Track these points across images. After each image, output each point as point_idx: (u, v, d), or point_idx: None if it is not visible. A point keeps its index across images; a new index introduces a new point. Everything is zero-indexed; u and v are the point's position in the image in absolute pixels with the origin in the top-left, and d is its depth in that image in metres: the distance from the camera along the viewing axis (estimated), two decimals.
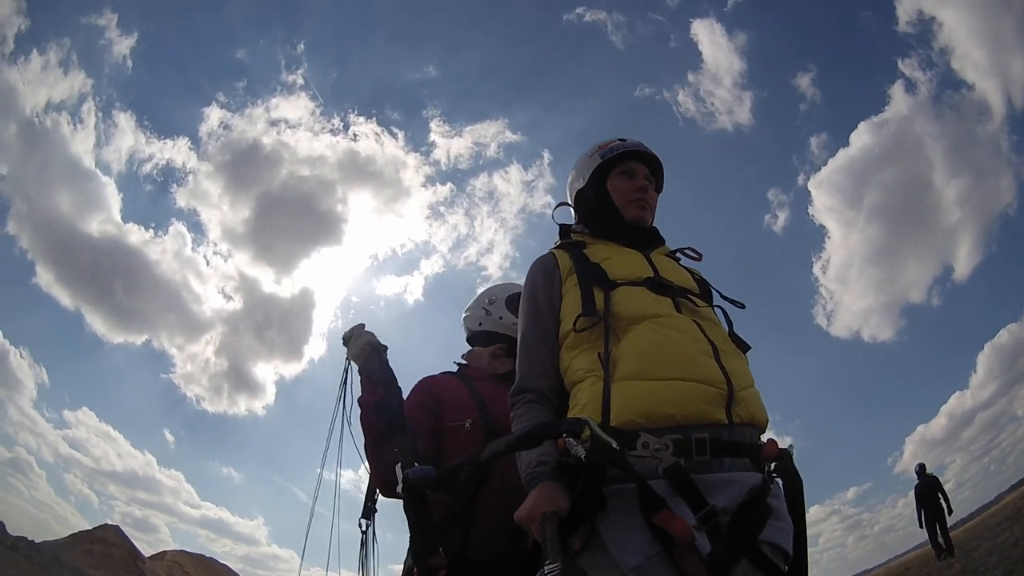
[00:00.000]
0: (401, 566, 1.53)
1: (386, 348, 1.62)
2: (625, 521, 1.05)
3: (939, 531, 9.49)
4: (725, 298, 1.43)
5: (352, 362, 1.62)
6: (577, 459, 1.07)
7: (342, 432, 1.58)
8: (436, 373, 1.79)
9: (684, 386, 1.12)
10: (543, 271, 1.41)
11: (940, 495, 9.53)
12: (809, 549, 1.15)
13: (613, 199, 1.49)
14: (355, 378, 1.61)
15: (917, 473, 9.78)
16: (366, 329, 1.64)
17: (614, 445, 1.03)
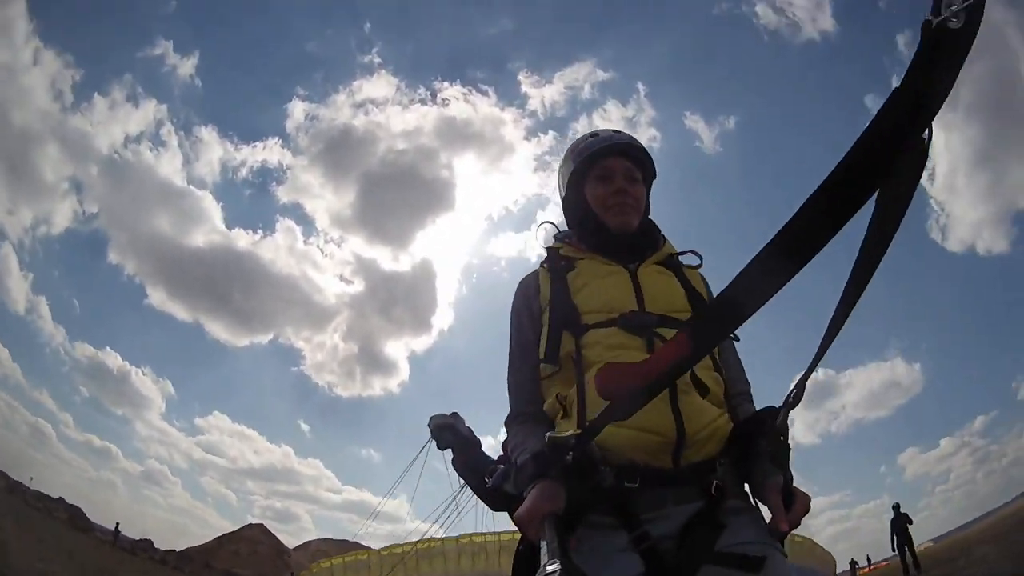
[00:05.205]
0: None
1: (451, 426, 2.47)
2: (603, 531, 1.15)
3: (908, 552, 12.90)
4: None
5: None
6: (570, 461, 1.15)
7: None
8: None
9: (626, 434, 1.15)
10: (525, 300, 1.43)
11: (908, 525, 13.18)
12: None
13: (593, 208, 1.45)
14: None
15: (893, 508, 13.51)
16: (435, 414, 2.53)
17: (573, 434, 1.10)
